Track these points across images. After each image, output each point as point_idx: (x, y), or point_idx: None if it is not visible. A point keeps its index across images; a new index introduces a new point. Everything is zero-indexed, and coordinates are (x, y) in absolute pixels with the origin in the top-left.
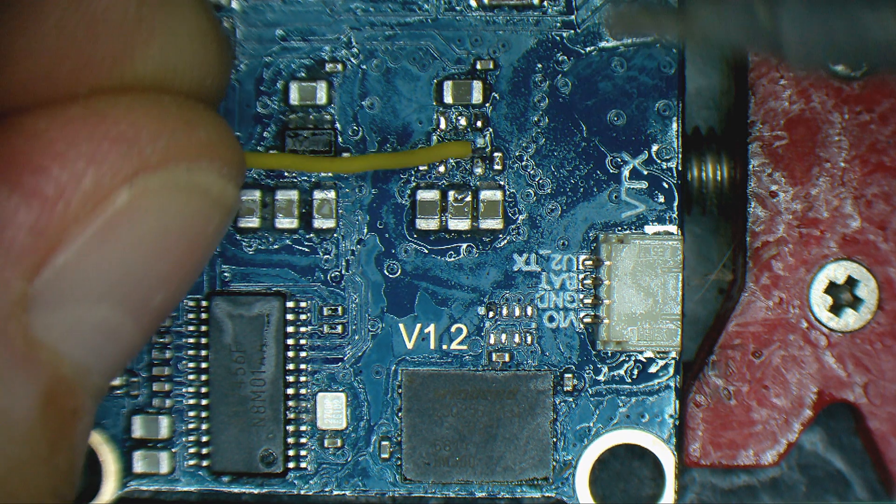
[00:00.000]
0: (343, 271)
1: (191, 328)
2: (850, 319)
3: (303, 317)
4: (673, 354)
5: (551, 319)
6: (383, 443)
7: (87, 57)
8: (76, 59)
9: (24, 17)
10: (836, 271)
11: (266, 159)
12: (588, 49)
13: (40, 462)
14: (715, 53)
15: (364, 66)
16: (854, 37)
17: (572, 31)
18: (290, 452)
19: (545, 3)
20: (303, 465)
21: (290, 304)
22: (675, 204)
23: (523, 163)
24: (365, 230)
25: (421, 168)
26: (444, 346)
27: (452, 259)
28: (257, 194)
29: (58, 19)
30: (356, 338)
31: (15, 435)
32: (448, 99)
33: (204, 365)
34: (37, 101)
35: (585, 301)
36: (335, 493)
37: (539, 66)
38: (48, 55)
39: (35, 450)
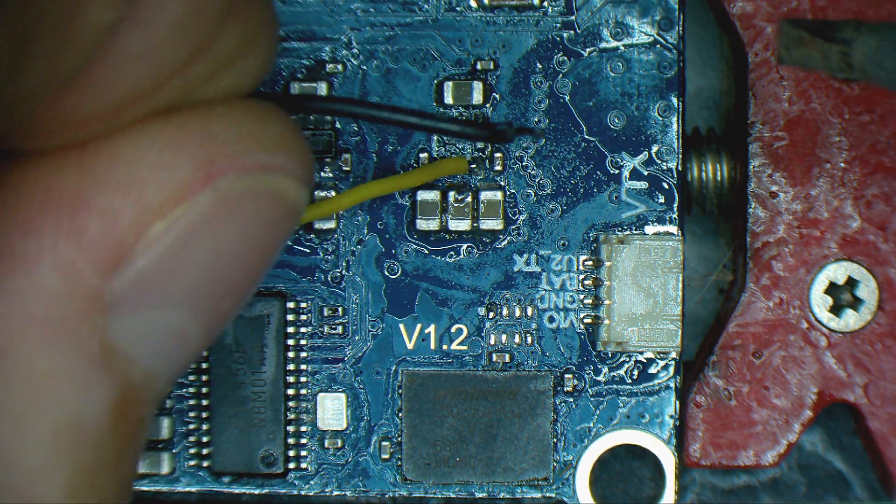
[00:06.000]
0: (343, 272)
1: None
2: (851, 320)
3: (303, 317)
4: (673, 355)
5: (551, 320)
6: (384, 443)
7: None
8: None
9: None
10: (837, 272)
11: None
12: (588, 50)
13: (108, 471)
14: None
15: (364, 67)
16: None
17: (572, 32)
18: (291, 453)
19: (545, 4)
20: (303, 465)
21: (290, 305)
22: (676, 204)
23: (523, 163)
24: (365, 231)
25: None
26: (445, 347)
27: (453, 259)
28: None
29: (180, 21)
30: (356, 338)
31: (85, 440)
32: (448, 100)
33: (204, 365)
34: (130, 116)
35: (586, 301)
36: (335, 493)
37: (539, 66)
38: (157, 63)
39: (104, 457)
